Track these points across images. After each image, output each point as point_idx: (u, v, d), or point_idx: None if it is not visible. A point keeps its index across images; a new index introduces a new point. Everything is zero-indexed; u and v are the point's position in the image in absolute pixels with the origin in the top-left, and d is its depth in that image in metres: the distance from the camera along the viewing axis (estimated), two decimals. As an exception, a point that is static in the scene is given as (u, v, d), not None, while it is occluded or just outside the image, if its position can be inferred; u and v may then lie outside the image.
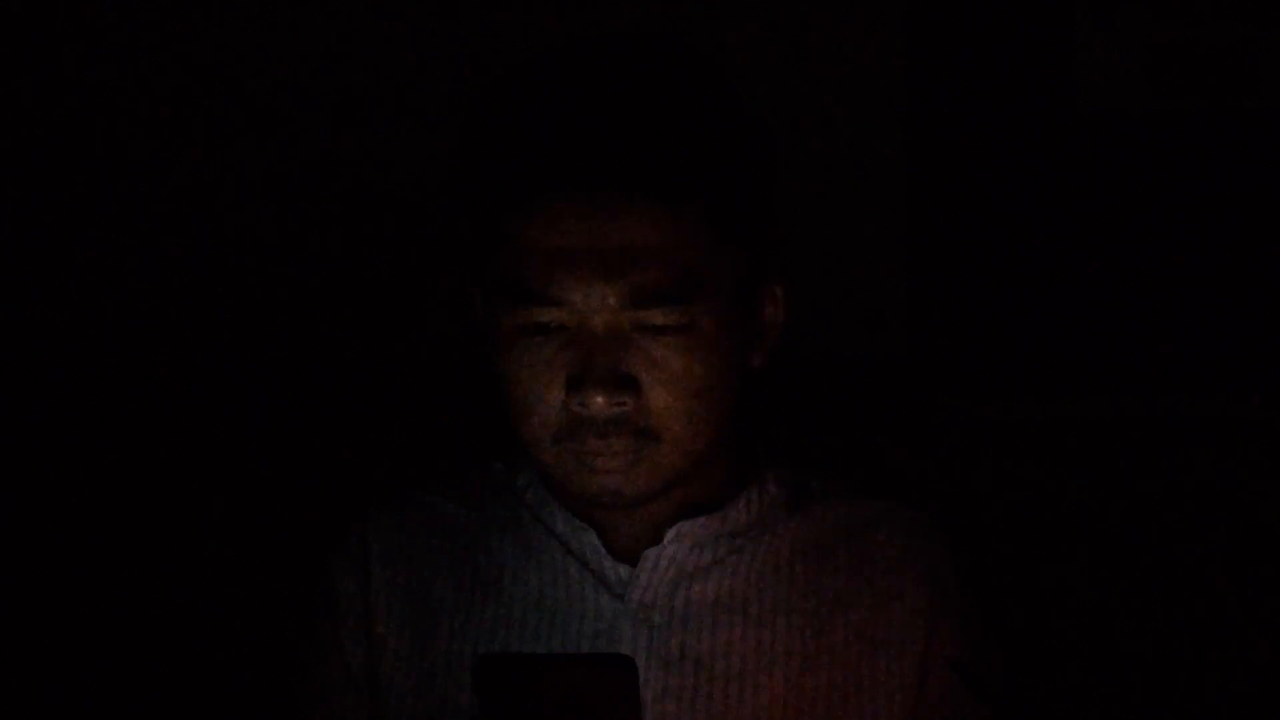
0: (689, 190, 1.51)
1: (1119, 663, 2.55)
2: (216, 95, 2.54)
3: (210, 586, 2.52)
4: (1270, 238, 2.55)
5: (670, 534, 1.60)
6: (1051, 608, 2.54)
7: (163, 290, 2.54)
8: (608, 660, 1.34)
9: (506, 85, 1.56)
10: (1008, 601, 2.32)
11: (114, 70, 2.53)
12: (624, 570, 1.60)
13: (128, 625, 2.52)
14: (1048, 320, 2.54)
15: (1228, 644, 2.55)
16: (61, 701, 2.51)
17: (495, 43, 2.50)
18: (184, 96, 2.54)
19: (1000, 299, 2.54)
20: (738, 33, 2.48)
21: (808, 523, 1.65)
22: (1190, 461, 2.55)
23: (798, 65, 2.52)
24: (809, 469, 1.69)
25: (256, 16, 2.53)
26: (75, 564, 2.53)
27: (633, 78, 1.54)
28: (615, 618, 1.59)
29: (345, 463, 2.51)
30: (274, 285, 2.54)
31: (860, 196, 2.52)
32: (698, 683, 1.57)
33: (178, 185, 2.54)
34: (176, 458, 2.53)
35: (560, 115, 1.52)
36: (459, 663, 1.60)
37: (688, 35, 1.62)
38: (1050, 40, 2.52)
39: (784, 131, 1.66)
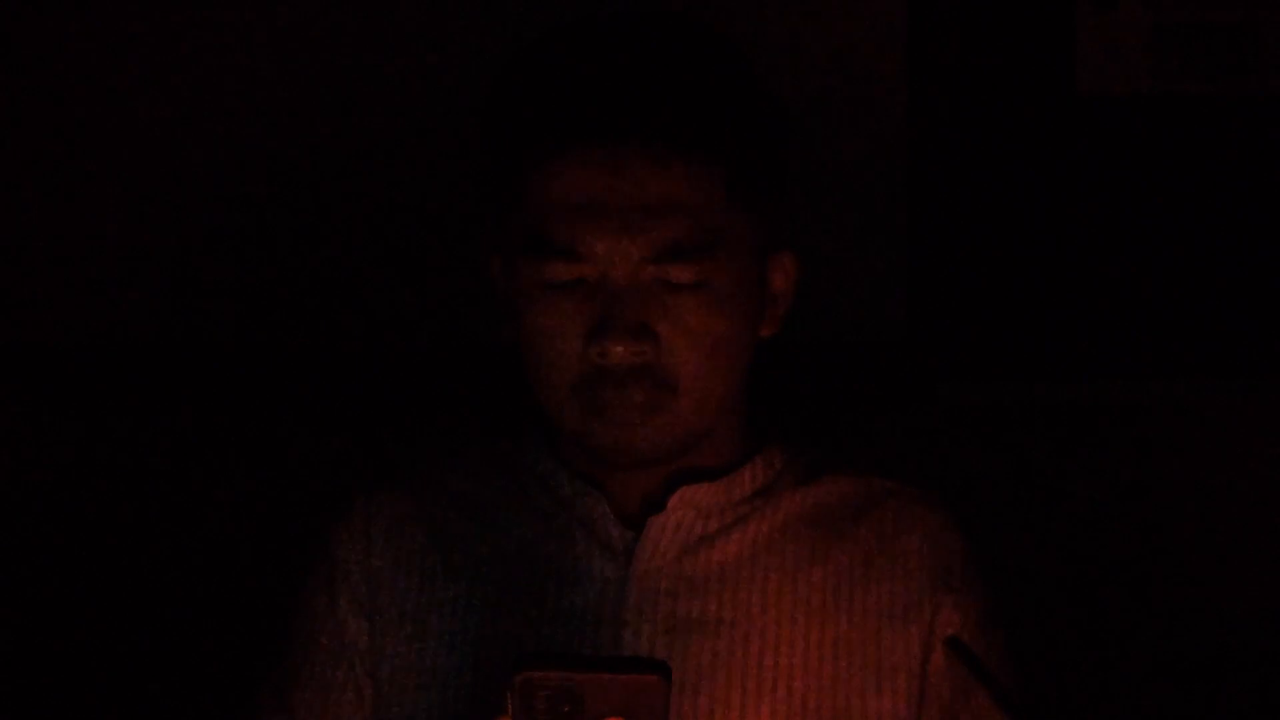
0: (708, 147, 1.54)
1: (1118, 647, 2.55)
2: (215, 89, 2.53)
3: (209, 577, 2.52)
4: (1271, 223, 2.55)
5: (674, 500, 1.61)
6: (1049, 590, 2.54)
7: (162, 283, 2.54)
8: (644, 664, 1.34)
9: (529, 51, 1.59)
10: (1006, 582, 2.32)
11: (113, 65, 2.53)
12: (630, 536, 1.61)
13: (127, 615, 2.52)
14: (1047, 302, 2.54)
15: (1225, 630, 2.55)
16: (61, 694, 2.51)
17: (500, 34, 2.50)
18: (183, 89, 2.53)
19: (1000, 281, 2.54)
20: (736, 5, 2.48)
21: (813, 495, 1.66)
22: (1193, 446, 2.56)
23: (798, 42, 2.52)
24: (815, 445, 1.70)
25: (256, 7, 2.53)
26: (74, 555, 2.52)
27: (655, 43, 1.57)
28: (620, 584, 1.59)
29: (346, 453, 2.51)
30: (275, 275, 2.54)
31: (861, 177, 2.52)
32: (702, 647, 1.57)
33: (177, 179, 2.54)
34: (175, 451, 2.53)
35: (584, 75, 1.54)
36: (460, 636, 1.61)
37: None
38: (1052, 23, 2.52)
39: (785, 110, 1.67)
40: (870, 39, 2.52)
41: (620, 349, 1.53)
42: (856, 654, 1.59)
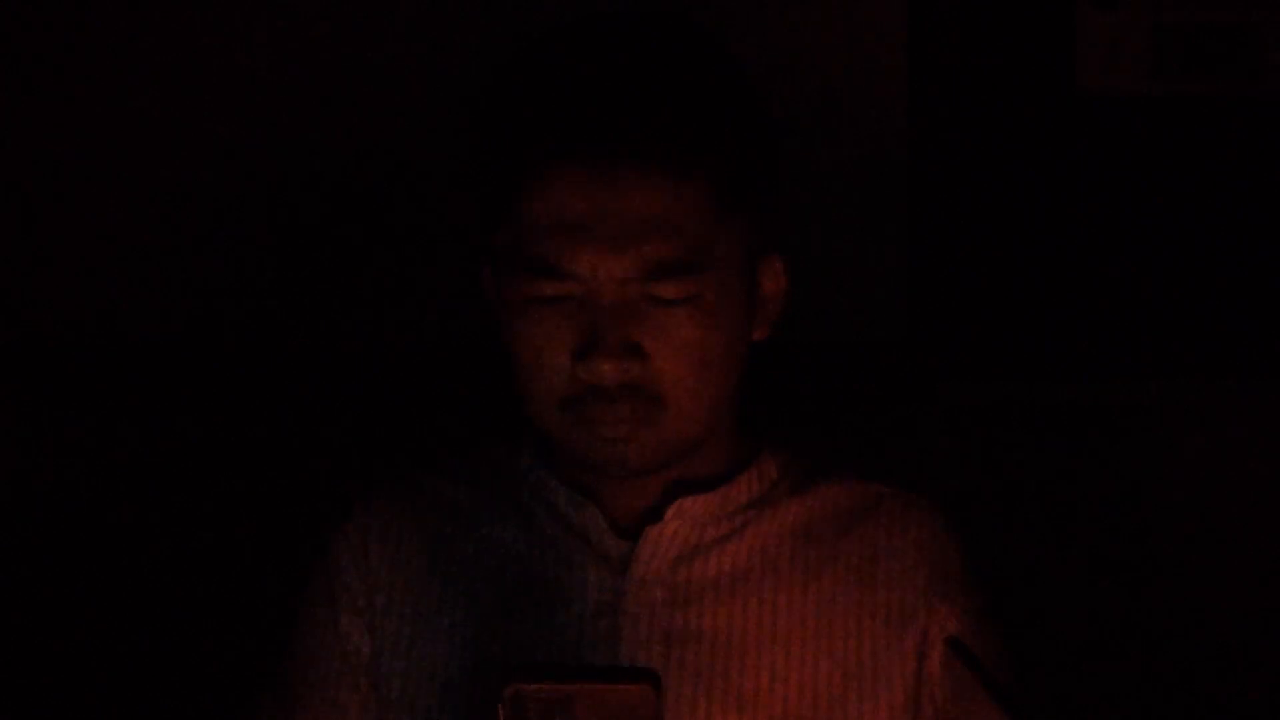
0: (697, 164, 1.53)
1: (1118, 647, 2.55)
2: (215, 89, 2.53)
3: (209, 577, 2.52)
4: (1271, 223, 2.55)
5: (671, 511, 1.61)
6: (1049, 590, 2.54)
7: (162, 283, 2.54)
8: (634, 674, 1.34)
9: (519, 61, 1.59)
10: (1005, 583, 2.32)
11: (113, 65, 2.53)
12: (625, 547, 1.61)
13: (127, 615, 2.52)
14: (1047, 302, 2.54)
15: (1225, 630, 2.55)
16: (61, 694, 2.51)
17: (499, 34, 2.50)
18: (183, 89, 2.53)
19: (1000, 281, 2.54)
20: (735, 5, 2.48)
21: (809, 503, 1.65)
22: (1193, 446, 2.55)
23: (798, 42, 2.52)
24: (809, 451, 1.70)
25: (256, 7, 2.53)
26: (74, 555, 2.52)
27: (639, 52, 1.56)
28: (617, 594, 1.59)
29: (346, 453, 2.51)
30: (275, 275, 2.54)
31: (861, 177, 2.52)
32: (699, 658, 1.57)
33: (178, 179, 2.53)
34: (176, 451, 2.53)
35: (569, 90, 1.54)
36: (458, 645, 1.61)
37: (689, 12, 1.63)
38: (1052, 23, 2.52)
39: (783, 109, 1.66)
40: (870, 39, 2.52)
41: (609, 368, 1.52)
42: (852, 663, 1.59)
